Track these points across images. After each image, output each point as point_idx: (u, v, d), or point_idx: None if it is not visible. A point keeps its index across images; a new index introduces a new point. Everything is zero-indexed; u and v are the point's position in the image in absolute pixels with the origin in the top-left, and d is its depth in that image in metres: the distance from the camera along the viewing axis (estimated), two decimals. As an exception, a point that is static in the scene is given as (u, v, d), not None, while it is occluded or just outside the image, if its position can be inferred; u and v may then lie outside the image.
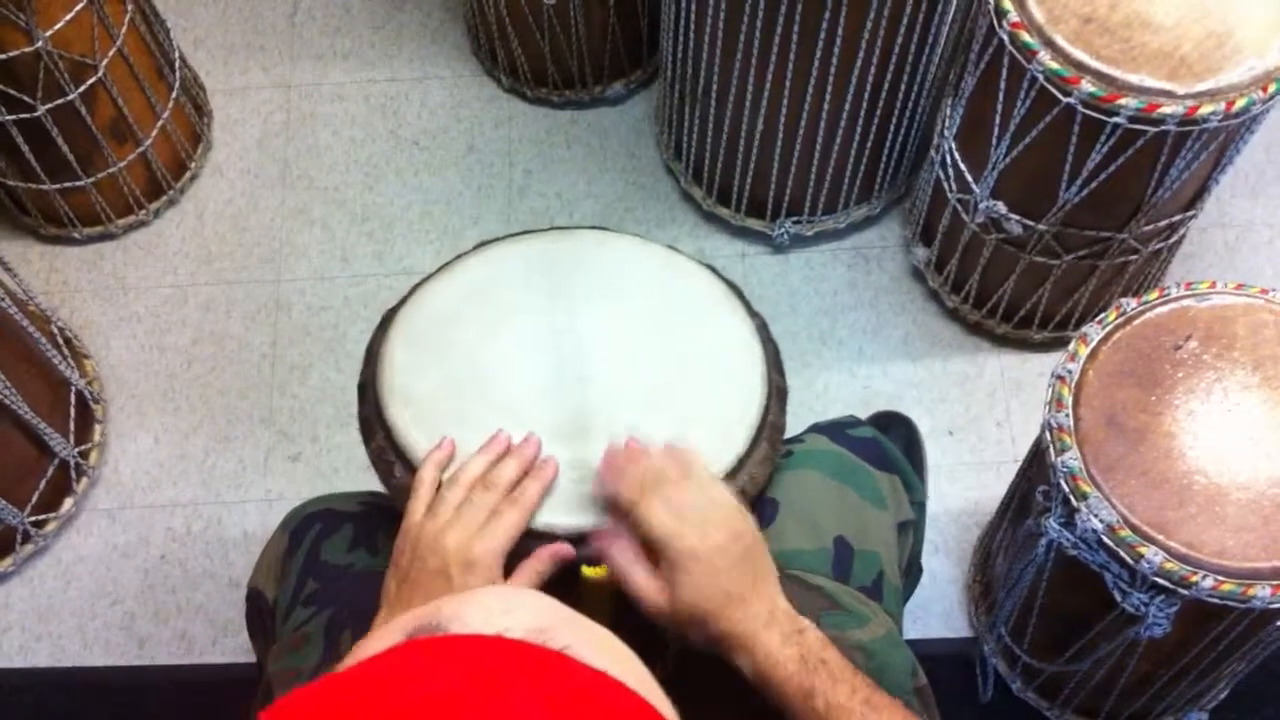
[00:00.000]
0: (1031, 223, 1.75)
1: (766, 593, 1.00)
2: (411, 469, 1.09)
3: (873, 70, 1.79)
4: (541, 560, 1.03)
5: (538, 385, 1.13)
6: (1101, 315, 1.42)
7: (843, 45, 1.72)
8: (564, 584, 1.03)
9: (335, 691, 0.56)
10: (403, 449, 1.10)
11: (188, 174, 2.21)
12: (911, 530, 1.35)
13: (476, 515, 1.03)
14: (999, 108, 1.65)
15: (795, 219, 2.08)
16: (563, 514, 1.05)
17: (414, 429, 1.10)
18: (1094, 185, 1.63)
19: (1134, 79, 1.50)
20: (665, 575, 0.98)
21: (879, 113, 1.88)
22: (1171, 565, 1.27)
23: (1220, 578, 1.26)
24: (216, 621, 1.87)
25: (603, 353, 1.15)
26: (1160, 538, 1.28)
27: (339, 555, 1.22)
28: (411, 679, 0.55)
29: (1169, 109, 1.49)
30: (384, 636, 0.61)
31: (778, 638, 0.97)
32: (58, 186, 2.04)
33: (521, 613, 0.61)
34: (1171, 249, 1.86)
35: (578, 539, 1.04)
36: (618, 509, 1.02)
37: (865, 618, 1.14)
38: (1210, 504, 1.29)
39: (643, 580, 1.00)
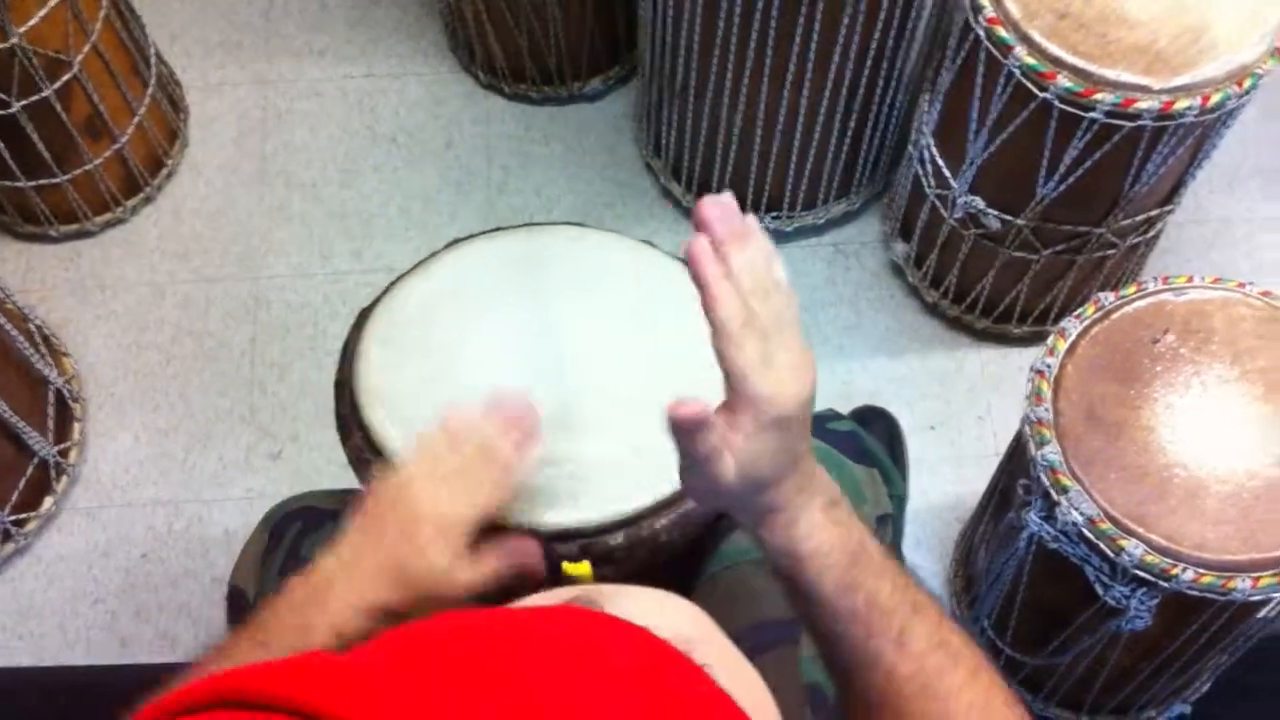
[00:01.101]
0: (1009, 218, 1.76)
1: (809, 454, 0.86)
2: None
3: (850, 66, 1.79)
4: (508, 552, 0.96)
5: (515, 381, 1.12)
6: (1080, 310, 1.42)
7: (820, 41, 1.73)
8: (546, 580, 1.02)
9: (498, 624, 0.57)
10: (380, 447, 1.09)
11: (164, 171, 2.20)
12: (890, 524, 1.35)
13: (445, 469, 0.95)
14: (976, 103, 1.65)
15: (774, 215, 2.08)
16: (544, 511, 1.05)
17: (390, 427, 1.10)
18: (1071, 180, 1.64)
19: (1110, 74, 1.50)
20: (739, 432, 0.81)
21: (857, 108, 1.89)
22: (1152, 558, 1.28)
23: (1200, 570, 1.27)
24: (199, 620, 1.87)
25: (580, 348, 1.15)
26: (1140, 531, 1.29)
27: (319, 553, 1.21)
28: (564, 636, 0.56)
29: (1145, 104, 1.50)
30: (542, 597, 0.62)
31: (820, 515, 0.83)
32: (33, 184, 2.03)
33: (674, 617, 0.64)
34: (1149, 244, 1.87)
35: (559, 536, 1.04)
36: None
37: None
38: (1190, 497, 1.30)
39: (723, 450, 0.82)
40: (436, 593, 0.90)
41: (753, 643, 1.11)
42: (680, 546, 1.09)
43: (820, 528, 0.83)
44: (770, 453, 0.81)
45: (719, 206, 0.82)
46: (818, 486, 0.85)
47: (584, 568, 1.02)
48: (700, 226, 0.82)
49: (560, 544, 1.04)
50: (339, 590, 0.90)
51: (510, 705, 0.51)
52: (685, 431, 0.81)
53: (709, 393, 1.13)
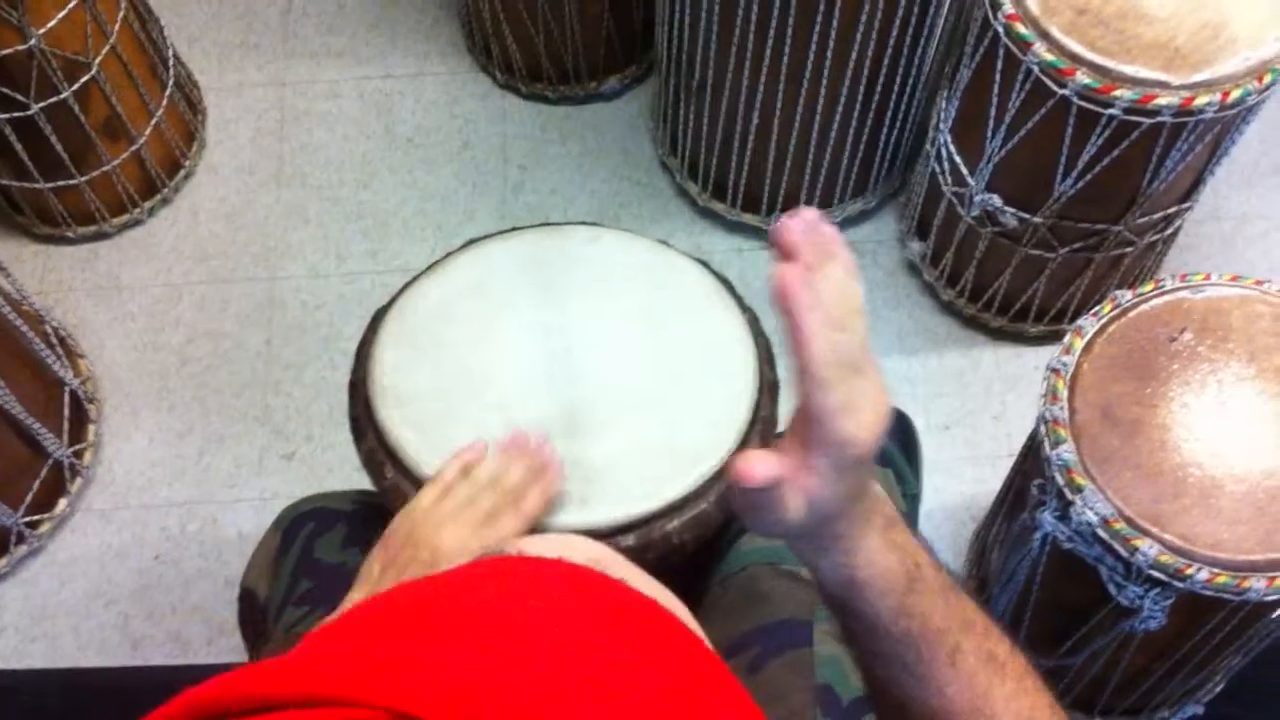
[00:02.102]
0: (1027, 215, 1.75)
1: (874, 479, 0.80)
2: (402, 469, 1.08)
3: (868, 64, 1.78)
4: None
5: (529, 382, 1.12)
6: (1096, 308, 1.42)
7: (837, 38, 1.72)
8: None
9: (413, 594, 0.58)
10: (393, 449, 1.09)
11: (182, 172, 2.20)
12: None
13: (476, 515, 1.01)
14: (994, 100, 1.65)
15: (791, 213, 2.07)
16: (554, 513, 1.05)
17: (404, 429, 1.09)
18: (1089, 177, 1.63)
19: (1129, 70, 1.50)
20: (815, 474, 0.75)
21: (874, 106, 1.88)
22: (1166, 558, 1.27)
23: (1215, 570, 1.26)
24: (211, 622, 1.87)
25: (594, 349, 1.15)
26: (1155, 530, 1.28)
27: (332, 554, 1.21)
28: (489, 588, 0.57)
29: (1164, 100, 1.49)
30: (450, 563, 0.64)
31: (879, 539, 0.79)
32: (51, 185, 2.03)
33: (579, 547, 0.64)
34: (1167, 241, 1.86)
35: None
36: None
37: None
38: (1205, 496, 1.29)
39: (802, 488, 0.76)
40: None
41: (766, 644, 1.11)
42: (692, 549, 1.09)
43: (879, 553, 0.79)
44: (844, 491, 0.76)
45: (804, 223, 0.74)
46: (877, 509, 0.80)
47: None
48: (787, 250, 0.74)
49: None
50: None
51: (483, 648, 0.53)
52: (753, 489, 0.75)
53: (720, 396, 1.13)
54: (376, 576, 1.00)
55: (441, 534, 0.99)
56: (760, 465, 0.73)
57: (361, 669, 0.52)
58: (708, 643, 0.60)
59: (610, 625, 0.56)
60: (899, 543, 0.80)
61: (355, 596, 0.99)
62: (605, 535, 1.04)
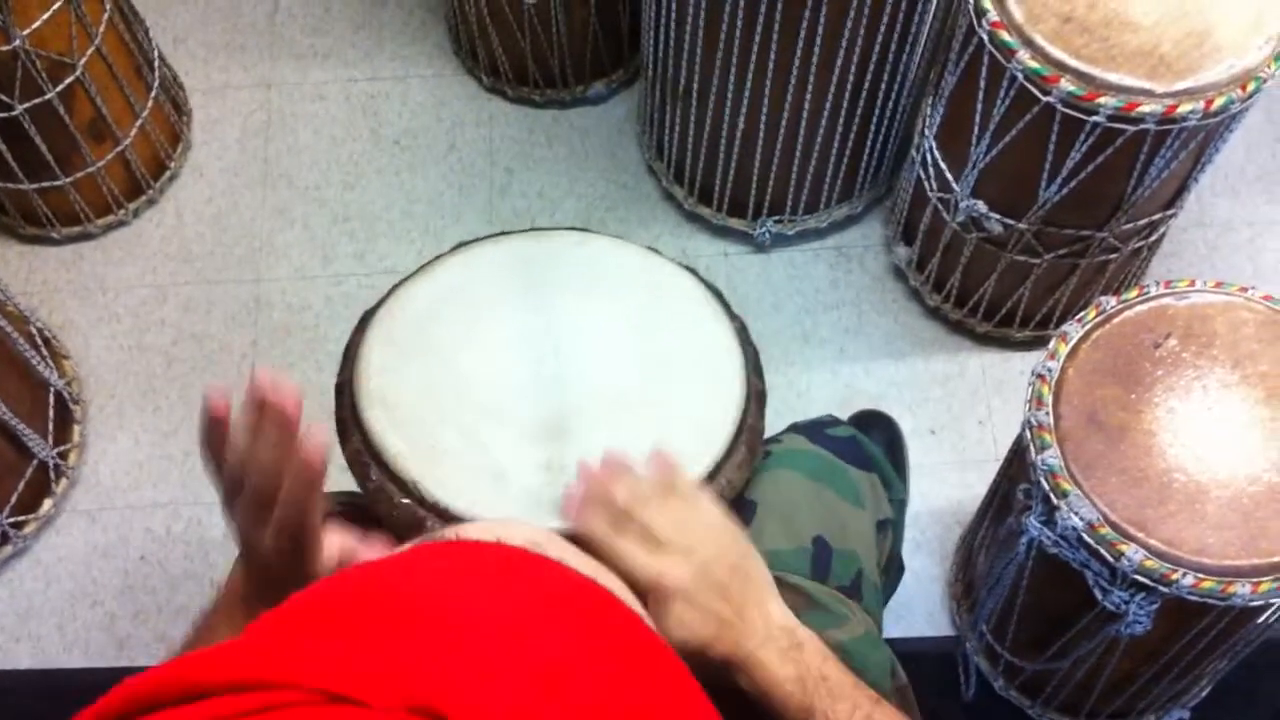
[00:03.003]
0: (1012, 221, 1.76)
1: (761, 608, 0.97)
2: (387, 471, 1.08)
3: (853, 69, 1.79)
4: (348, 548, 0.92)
5: (516, 387, 1.12)
6: (1081, 314, 1.42)
7: (823, 44, 1.72)
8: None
9: (354, 581, 0.57)
10: (379, 451, 1.09)
11: (167, 174, 2.20)
12: (891, 529, 1.35)
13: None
14: (979, 107, 1.65)
15: (777, 218, 2.08)
16: (542, 516, 1.05)
17: (390, 431, 1.09)
18: (1074, 184, 1.64)
19: (1113, 78, 1.50)
20: (651, 610, 0.92)
21: (860, 112, 1.88)
22: (1152, 563, 1.27)
23: (1200, 575, 1.27)
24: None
25: (581, 354, 1.15)
26: (1140, 535, 1.28)
27: (317, 556, 1.21)
28: (425, 571, 0.58)
29: (1148, 108, 1.50)
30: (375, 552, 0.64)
31: (775, 656, 0.94)
32: (36, 186, 2.03)
33: (516, 530, 0.66)
34: (1152, 248, 1.87)
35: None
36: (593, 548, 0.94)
37: (844, 617, 1.14)
38: (1190, 502, 1.30)
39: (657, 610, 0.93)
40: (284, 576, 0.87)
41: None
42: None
43: (776, 671, 0.94)
44: (688, 623, 0.93)
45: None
46: (773, 636, 0.96)
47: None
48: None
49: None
50: (227, 596, 0.93)
51: (418, 630, 0.53)
52: None
53: (706, 404, 1.13)
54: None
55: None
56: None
57: (295, 653, 0.53)
58: (648, 620, 0.61)
59: (547, 606, 0.56)
60: (799, 660, 0.95)
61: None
62: (592, 539, 1.05)
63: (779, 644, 0.95)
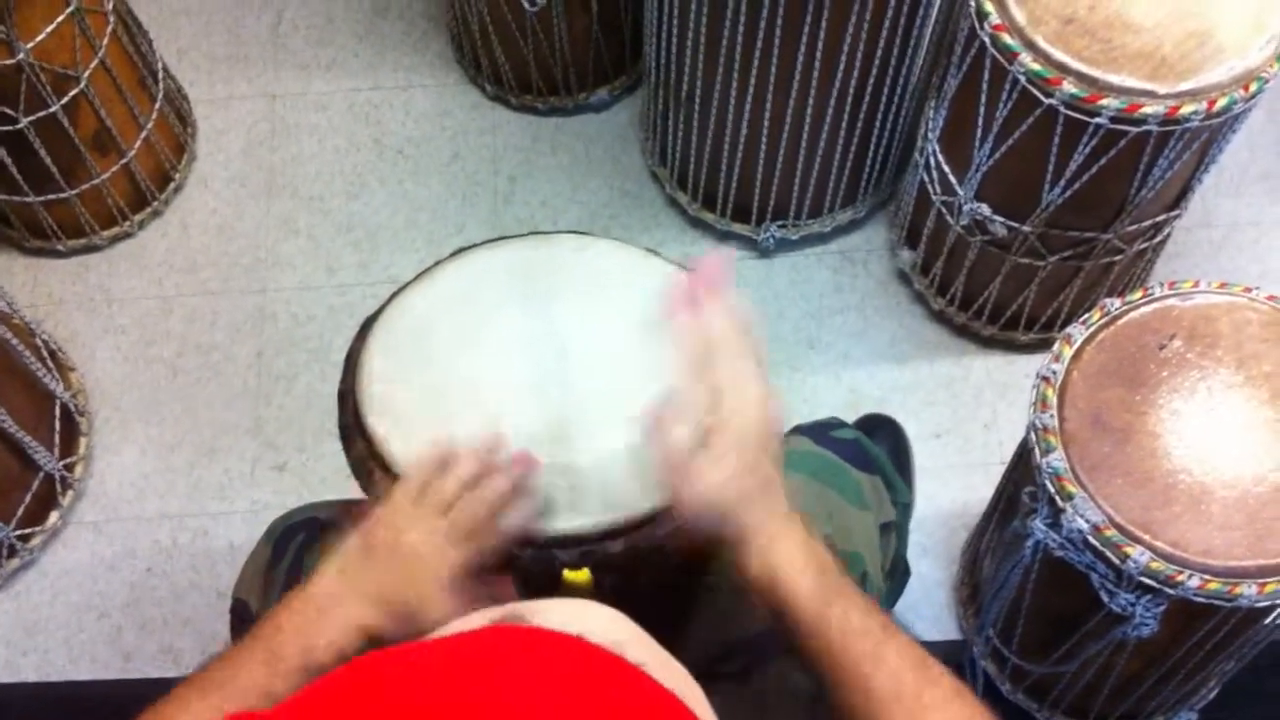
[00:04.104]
0: (1016, 224, 1.75)
1: (780, 494, 0.96)
2: (392, 476, 1.08)
3: (855, 73, 1.79)
4: (484, 598, 0.97)
5: (517, 389, 1.12)
6: (1086, 316, 1.42)
7: (825, 49, 1.72)
8: (546, 587, 1.02)
9: (422, 659, 0.57)
10: (382, 457, 1.09)
11: (172, 185, 2.20)
12: (894, 531, 1.35)
13: (458, 522, 0.99)
14: (981, 110, 1.65)
15: (780, 223, 2.08)
16: (543, 518, 1.05)
17: (393, 437, 1.09)
18: (1077, 186, 1.63)
19: (1115, 80, 1.50)
20: (699, 460, 0.93)
21: (863, 116, 1.88)
22: (1158, 565, 1.27)
23: (1206, 577, 1.26)
24: (203, 634, 1.86)
25: (583, 357, 1.15)
26: (1146, 537, 1.28)
27: (323, 564, 1.21)
28: (499, 660, 0.56)
29: (1150, 109, 1.49)
30: (463, 621, 0.63)
31: (794, 543, 0.93)
32: (41, 199, 2.03)
33: (601, 622, 0.64)
34: (1156, 249, 1.86)
35: (558, 542, 1.03)
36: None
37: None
38: (1195, 503, 1.29)
39: (685, 467, 0.94)
40: (419, 627, 0.93)
41: (759, 649, 1.11)
42: (680, 555, 1.09)
43: (796, 554, 0.91)
44: (732, 479, 0.92)
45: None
46: (794, 520, 0.94)
47: (584, 575, 1.01)
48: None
49: (560, 550, 1.03)
50: (343, 610, 0.94)
51: None
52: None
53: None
54: (355, 565, 0.97)
55: (427, 540, 0.97)
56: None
57: None
58: None
59: (624, 715, 0.55)
60: (815, 549, 0.92)
61: (329, 571, 0.97)
62: (593, 540, 1.04)
63: (798, 530, 0.94)
